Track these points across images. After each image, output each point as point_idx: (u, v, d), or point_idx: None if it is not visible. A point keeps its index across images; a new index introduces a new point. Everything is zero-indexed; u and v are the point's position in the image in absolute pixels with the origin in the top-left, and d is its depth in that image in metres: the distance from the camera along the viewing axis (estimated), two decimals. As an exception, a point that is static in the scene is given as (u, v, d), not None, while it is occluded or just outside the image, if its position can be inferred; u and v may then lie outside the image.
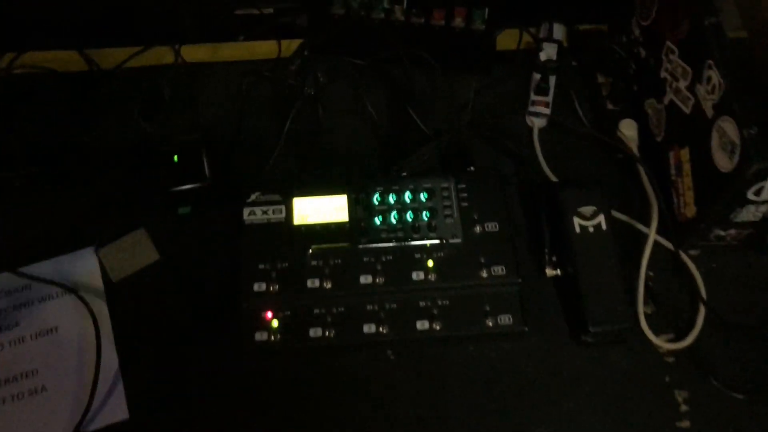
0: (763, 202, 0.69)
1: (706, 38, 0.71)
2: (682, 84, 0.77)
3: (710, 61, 0.71)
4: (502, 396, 0.71)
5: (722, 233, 0.76)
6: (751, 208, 0.70)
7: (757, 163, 0.64)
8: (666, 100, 0.81)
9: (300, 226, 0.75)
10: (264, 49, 0.92)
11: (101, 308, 0.74)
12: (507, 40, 0.93)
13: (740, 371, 0.73)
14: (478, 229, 0.76)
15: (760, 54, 0.84)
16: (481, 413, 0.71)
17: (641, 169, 0.82)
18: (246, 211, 0.76)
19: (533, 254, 0.79)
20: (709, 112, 0.72)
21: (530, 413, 0.71)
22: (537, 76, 0.89)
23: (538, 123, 0.88)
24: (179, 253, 0.77)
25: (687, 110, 0.76)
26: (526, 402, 0.71)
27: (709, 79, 0.71)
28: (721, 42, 0.70)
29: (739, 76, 0.68)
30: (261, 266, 0.73)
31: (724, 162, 0.69)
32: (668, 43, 0.79)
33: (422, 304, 0.72)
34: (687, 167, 0.77)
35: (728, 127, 0.68)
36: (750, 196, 0.68)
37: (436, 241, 0.75)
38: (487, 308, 0.72)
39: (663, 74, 0.81)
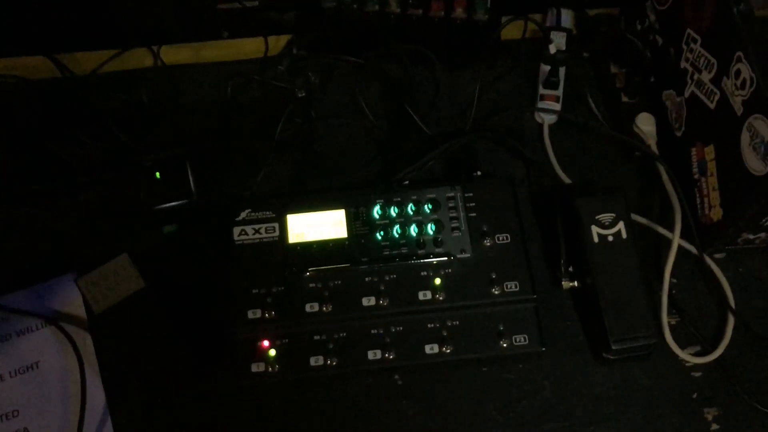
0: (800, 206, 0.64)
1: (735, 27, 0.65)
2: (706, 76, 0.71)
3: (740, 53, 0.65)
4: (519, 421, 0.68)
5: (751, 237, 0.71)
6: (786, 211, 0.65)
7: (796, 168, 0.59)
8: (687, 93, 0.75)
9: (295, 245, 0.71)
10: (249, 47, 0.87)
11: (85, 340, 0.70)
12: (510, 29, 0.87)
13: (774, 385, 0.70)
14: (488, 241, 0.71)
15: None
16: (497, 441, 0.67)
17: (661, 169, 0.77)
18: (236, 230, 0.72)
19: (548, 265, 0.74)
20: (739, 109, 0.66)
21: (550, 440, 0.67)
22: (545, 68, 0.83)
23: (547, 119, 0.82)
24: (165, 277, 0.72)
25: (711, 105, 0.71)
26: (544, 428, 0.68)
27: (738, 72, 0.65)
28: (753, 32, 0.64)
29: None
30: (254, 291, 0.69)
31: (756, 163, 0.64)
32: (689, 30, 0.73)
33: (430, 326, 0.69)
34: (712, 166, 0.71)
35: (761, 126, 0.63)
36: (786, 200, 0.63)
37: (443, 257, 0.71)
38: (501, 328, 0.68)
39: (683, 65, 0.75)
